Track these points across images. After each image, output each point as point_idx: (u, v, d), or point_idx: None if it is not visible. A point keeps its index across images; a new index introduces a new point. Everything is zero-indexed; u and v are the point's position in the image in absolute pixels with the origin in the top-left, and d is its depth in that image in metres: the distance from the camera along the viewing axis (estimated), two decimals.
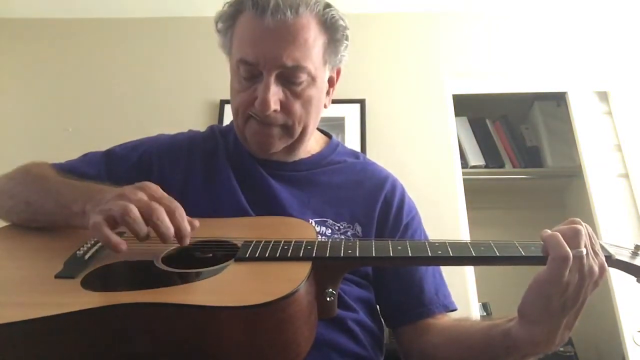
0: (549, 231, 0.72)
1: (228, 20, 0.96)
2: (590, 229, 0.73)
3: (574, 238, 0.70)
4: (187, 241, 0.75)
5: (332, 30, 0.95)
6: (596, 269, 0.70)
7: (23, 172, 0.97)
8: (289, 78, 0.92)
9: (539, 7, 2.30)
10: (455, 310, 0.98)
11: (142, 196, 0.73)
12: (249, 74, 0.93)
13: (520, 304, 0.73)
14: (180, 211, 0.74)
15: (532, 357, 0.76)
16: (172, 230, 0.72)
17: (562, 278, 0.68)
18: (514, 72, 2.29)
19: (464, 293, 1.90)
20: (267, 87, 0.90)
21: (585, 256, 0.69)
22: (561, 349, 2.43)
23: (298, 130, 0.97)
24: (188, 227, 0.74)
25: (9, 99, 2.28)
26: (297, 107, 0.94)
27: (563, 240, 0.69)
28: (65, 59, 2.33)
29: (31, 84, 2.30)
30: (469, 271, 1.97)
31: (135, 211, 0.70)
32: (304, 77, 0.92)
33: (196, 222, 0.77)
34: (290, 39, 0.90)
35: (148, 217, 0.71)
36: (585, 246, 0.70)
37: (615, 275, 1.99)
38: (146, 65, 2.30)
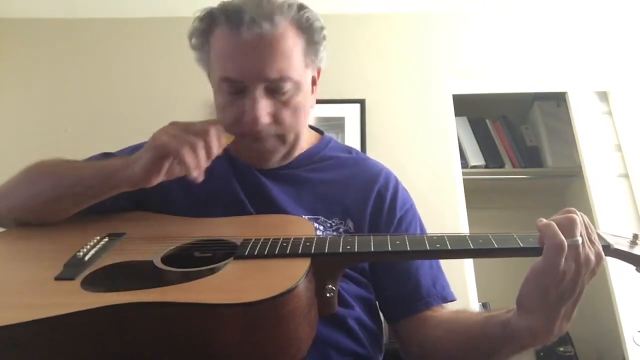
0: (544, 220, 0.72)
1: (201, 36, 0.95)
2: (586, 218, 0.73)
3: (569, 227, 0.70)
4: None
5: (309, 32, 0.94)
6: (592, 257, 0.70)
7: (38, 164, 0.95)
8: (275, 89, 0.91)
9: (539, 6, 2.30)
10: (454, 300, 0.97)
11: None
12: (234, 89, 0.92)
13: (518, 294, 0.73)
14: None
15: (531, 347, 0.76)
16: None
17: (558, 267, 0.68)
18: (514, 72, 2.29)
19: (464, 293, 1.90)
20: (255, 103, 0.89)
21: (580, 245, 0.69)
22: (561, 349, 2.43)
23: (291, 138, 0.97)
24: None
25: (9, 99, 2.28)
26: (287, 116, 0.94)
27: (558, 229, 0.70)
28: (65, 59, 2.33)
29: (31, 84, 2.30)
30: (468, 271, 1.97)
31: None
32: (289, 86, 0.91)
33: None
34: (271, 51, 0.88)
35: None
36: (581, 235, 0.70)
37: (615, 276, 2.00)
38: (146, 65, 2.30)
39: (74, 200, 0.89)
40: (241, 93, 0.91)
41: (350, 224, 0.96)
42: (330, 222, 0.95)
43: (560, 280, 0.69)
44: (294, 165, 1.03)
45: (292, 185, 1.00)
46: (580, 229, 0.70)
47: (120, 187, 0.86)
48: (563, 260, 0.68)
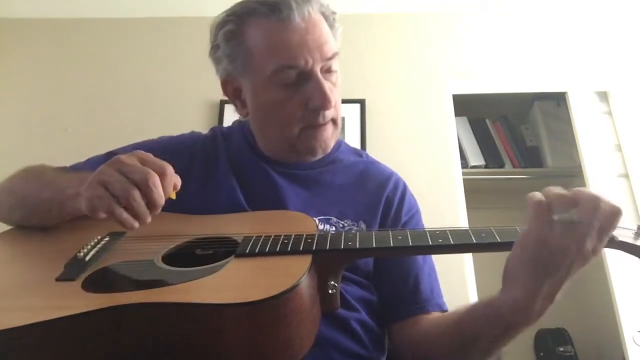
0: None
1: (232, 39, 0.94)
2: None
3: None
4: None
5: (327, 16, 0.97)
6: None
7: (23, 171, 0.97)
8: (328, 69, 0.94)
9: (539, 7, 2.31)
10: (447, 311, 0.97)
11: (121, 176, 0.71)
12: (292, 79, 0.92)
13: (505, 266, 0.72)
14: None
15: (513, 329, 0.74)
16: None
17: (541, 229, 0.67)
18: (514, 72, 2.29)
19: (464, 293, 1.89)
20: (322, 83, 0.91)
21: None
22: (561, 349, 2.43)
23: (339, 120, 0.99)
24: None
25: (8, 99, 2.27)
26: (337, 96, 0.96)
27: (537, 193, 0.69)
28: (65, 59, 2.33)
29: (31, 84, 2.30)
30: (469, 271, 1.96)
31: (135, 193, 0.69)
32: (336, 64, 0.95)
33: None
34: (321, 31, 0.92)
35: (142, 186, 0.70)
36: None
37: (616, 276, 2.00)
38: (146, 65, 2.30)
39: (40, 222, 0.89)
40: (298, 81, 0.92)
41: (363, 226, 0.96)
42: (342, 222, 0.95)
43: (544, 244, 0.67)
44: (308, 166, 1.03)
45: (305, 187, 0.99)
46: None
47: (74, 215, 0.82)
48: (544, 221, 0.67)
